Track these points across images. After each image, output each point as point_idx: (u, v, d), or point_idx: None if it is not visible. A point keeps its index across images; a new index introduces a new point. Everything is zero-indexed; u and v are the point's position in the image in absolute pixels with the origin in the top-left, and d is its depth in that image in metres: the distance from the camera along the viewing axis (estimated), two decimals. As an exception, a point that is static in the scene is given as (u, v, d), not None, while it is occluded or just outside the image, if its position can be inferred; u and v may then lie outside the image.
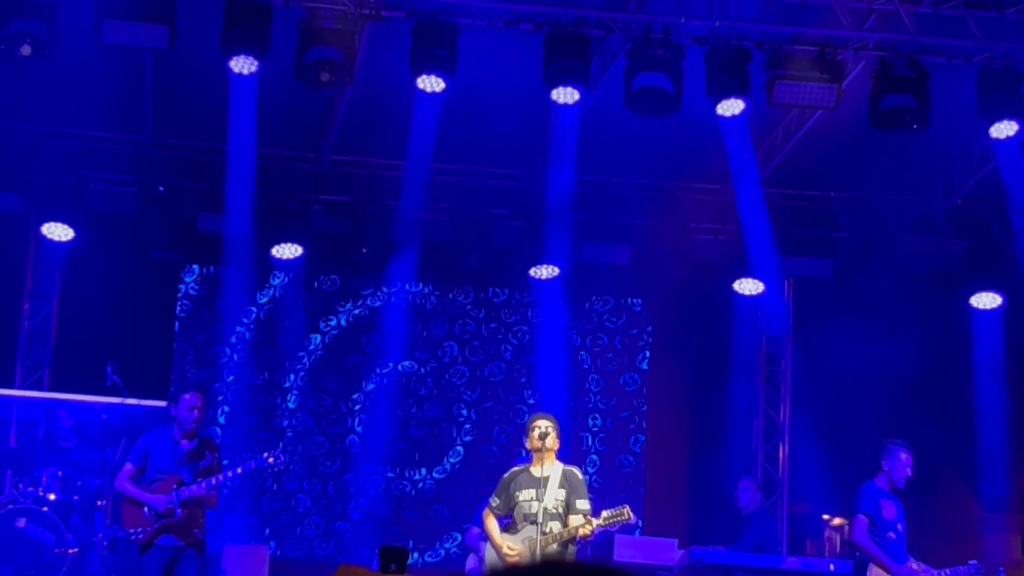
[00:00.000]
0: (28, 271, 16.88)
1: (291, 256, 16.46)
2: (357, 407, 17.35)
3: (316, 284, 17.38)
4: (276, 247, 16.38)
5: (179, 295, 17.07)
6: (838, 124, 14.63)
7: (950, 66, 13.42)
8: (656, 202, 17.01)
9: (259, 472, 13.88)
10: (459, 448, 17.39)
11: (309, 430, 17.26)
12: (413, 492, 17.16)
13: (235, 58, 13.06)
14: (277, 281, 17.23)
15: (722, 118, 13.98)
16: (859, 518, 12.26)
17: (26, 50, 12.59)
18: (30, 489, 14.58)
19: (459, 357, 17.66)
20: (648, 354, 17.87)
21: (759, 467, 17.33)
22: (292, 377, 17.28)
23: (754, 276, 16.59)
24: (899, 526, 12.31)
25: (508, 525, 11.61)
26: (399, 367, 17.41)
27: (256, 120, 15.01)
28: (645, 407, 17.80)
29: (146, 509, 11.70)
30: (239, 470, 12.66)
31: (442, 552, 16.96)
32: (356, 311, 17.48)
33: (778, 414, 17.68)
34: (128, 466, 12.08)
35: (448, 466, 17.32)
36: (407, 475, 17.23)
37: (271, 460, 12.40)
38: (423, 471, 17.24)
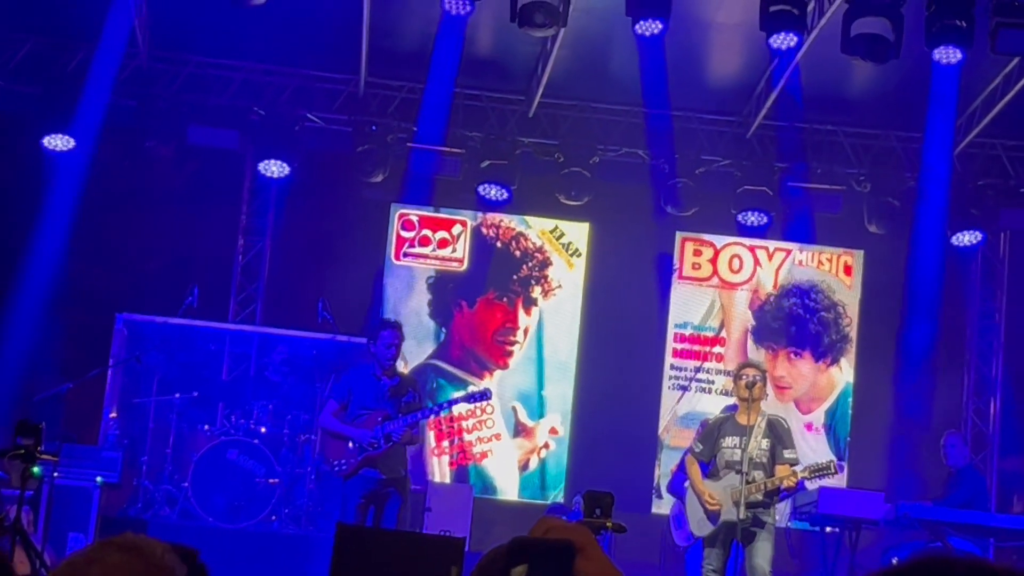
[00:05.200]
0: (243, 207, 17.18)
1: (498, 197, 16.59)
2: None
3: (522, 224, 17.35)
4: (483, 187, 16.51)
5: (389, 233, 17.18)
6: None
7: None
8: (870, 151, 16.78)
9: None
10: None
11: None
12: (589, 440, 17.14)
13: (448, -1, 13.13)
14: (477, 222, 17.25)
15: (935, 64, 13.69)
16: None
17: (259, 0, 12.84)
18: (242, 421, 14.91)
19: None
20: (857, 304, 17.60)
21: (969, 422, 17.03)
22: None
23: (969, 228, 16.27)
24: None
25: (710, 472, 11.58)
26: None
27: (459, 60, 15.15)
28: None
29: (350, 443, 11.85)
30: (447, 406, 12.82)
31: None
32: (566, 254, 17.44)
33: (990, 368, 17.35)
34: (331, 403, 12.22)
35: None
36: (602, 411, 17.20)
37: (478, 396, 12.52)
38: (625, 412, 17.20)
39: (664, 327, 17.25)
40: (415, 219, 17.16)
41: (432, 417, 12.53)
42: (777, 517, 11.84)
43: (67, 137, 15.57)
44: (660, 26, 13.22)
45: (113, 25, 14.73)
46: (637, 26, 13.25)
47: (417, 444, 12.53)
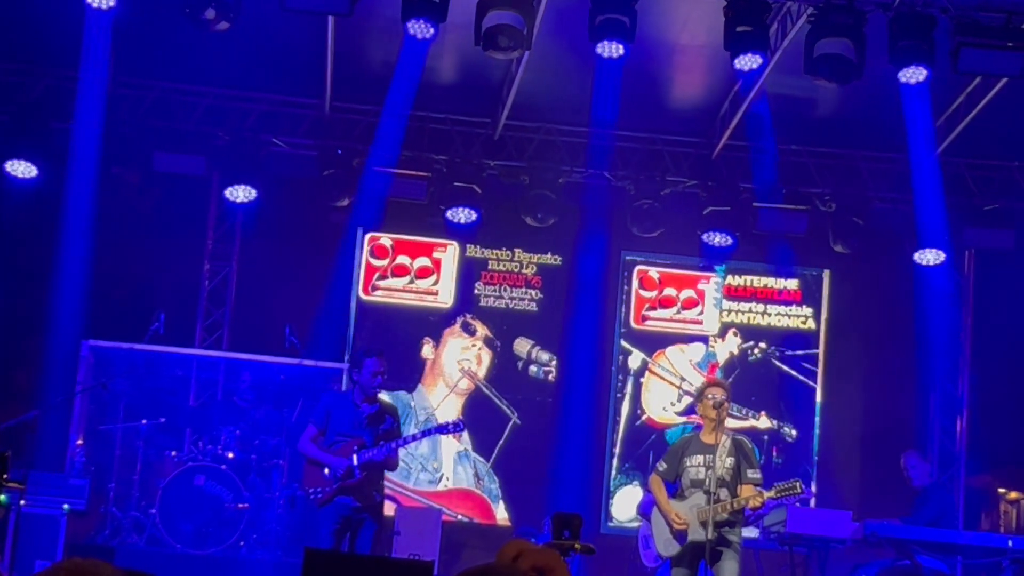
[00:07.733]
0: (209, 232, 17.13)
1: (465, 220, 16.58)
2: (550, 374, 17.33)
3: (490, 247, 17.35)
4: (451, 210, 16.50)
5: (357, 257, 17.12)
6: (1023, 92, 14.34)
7: None
8: (835, 171, 16.84)
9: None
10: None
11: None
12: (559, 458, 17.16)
13: (412, 22, 13.09)
14: (447, 246, 17.23)
15: (903, 85, 13.74)
16: None
17: (223, 25, 12.81)
18: (209, 447, 14.86)
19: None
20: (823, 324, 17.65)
21: (936, 440, 17.06)
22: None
23: (934, 247, 16.32)
24: None
25: (676, 493, 11.57)
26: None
27: (422, 84, 15.13)
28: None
29: (326, 470, 11.80)
30: (420, 435, 12.78)
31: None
32: (531, 274, 17.46)
33: (956, 387, 17.40)
34: (310, 428, 12.13)
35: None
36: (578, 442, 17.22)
37: (451, 427, 12.49)
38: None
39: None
40: (388, 244, 17.11)
41: (405, 446, 12.49)
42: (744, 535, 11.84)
43: (29, 164, 15.54)
44: (622, 49, 13.22)
45: (89, 56, 14.69)
46: (599, 48, 13.24)
47: (395, 468, 12.42)
